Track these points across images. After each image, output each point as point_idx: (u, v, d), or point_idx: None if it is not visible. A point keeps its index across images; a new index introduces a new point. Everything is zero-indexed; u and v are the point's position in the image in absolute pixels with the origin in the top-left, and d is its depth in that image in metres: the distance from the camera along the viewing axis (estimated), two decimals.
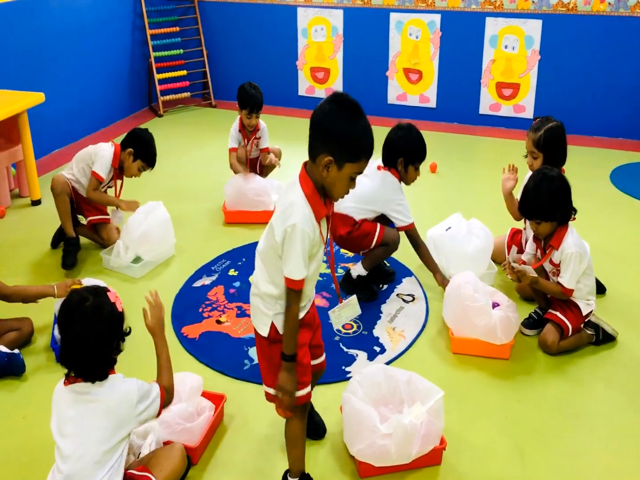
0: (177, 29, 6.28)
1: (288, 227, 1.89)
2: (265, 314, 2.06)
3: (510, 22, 5.42)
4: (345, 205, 3.17)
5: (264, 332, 2.07)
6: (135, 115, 6.13)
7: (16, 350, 2.82)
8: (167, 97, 6.21)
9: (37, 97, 4.23)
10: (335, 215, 2.95)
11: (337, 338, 3.05)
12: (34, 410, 2.62)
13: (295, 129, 5.82)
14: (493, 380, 2.76)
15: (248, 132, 4.23)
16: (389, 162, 3.22)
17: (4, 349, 2.80)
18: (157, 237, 3.65)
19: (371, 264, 3.33)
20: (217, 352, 2.97)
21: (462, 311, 2.86)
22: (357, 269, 3.35)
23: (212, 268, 3.66)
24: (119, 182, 3.78)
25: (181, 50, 6.30)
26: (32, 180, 4.32)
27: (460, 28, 5.55)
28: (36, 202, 4.37)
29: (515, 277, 2.87)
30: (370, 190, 3.17)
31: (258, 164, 4.35)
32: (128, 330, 2.10)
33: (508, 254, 3.39)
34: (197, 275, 3.59)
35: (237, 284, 3.50)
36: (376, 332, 3.10)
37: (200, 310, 3.27)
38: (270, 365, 2.09)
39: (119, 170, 3.73)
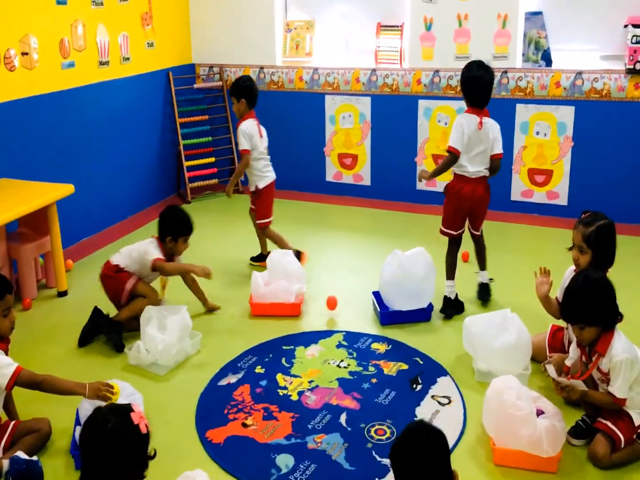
0: (207, 117, 6.37)
1: None
2: None
3: (542, 108, 5.39)
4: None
5: None
6: (163, 202, 6.13)
7: (35, 457, 2.69)
8: (195, 184, 6.23)
9: (66, 189, 4.23)
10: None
11: (369, 445, 2.87)
12: None
13: (322, 214, 5.79)
14: None
15: None
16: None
17: (23, 456, 2.66)
18: (177, 347, 3.51)
19: None
20: (243, 460, 2.80)
21: (505, 420, 2.67)
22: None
23: (238, 365, 3.52)
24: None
25: (210, 138, 6.36)
26: (59, 272, 4.27)
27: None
28: (62, 293, 4.31)
29: (565, 394, 2.70)
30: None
31: None
32: (153, 453, 1.97)
33: (549, 353, 3.21)
34: (223, 372, 3.46)
35: (263, 382, 3.36)
36: None
37: (226, 412, 3.13)
38: None
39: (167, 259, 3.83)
